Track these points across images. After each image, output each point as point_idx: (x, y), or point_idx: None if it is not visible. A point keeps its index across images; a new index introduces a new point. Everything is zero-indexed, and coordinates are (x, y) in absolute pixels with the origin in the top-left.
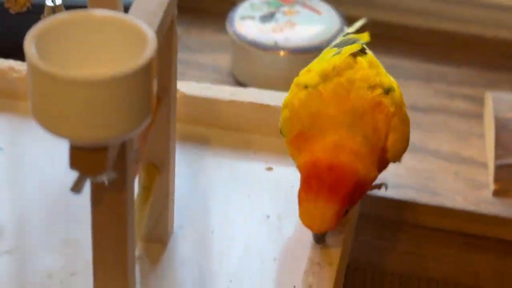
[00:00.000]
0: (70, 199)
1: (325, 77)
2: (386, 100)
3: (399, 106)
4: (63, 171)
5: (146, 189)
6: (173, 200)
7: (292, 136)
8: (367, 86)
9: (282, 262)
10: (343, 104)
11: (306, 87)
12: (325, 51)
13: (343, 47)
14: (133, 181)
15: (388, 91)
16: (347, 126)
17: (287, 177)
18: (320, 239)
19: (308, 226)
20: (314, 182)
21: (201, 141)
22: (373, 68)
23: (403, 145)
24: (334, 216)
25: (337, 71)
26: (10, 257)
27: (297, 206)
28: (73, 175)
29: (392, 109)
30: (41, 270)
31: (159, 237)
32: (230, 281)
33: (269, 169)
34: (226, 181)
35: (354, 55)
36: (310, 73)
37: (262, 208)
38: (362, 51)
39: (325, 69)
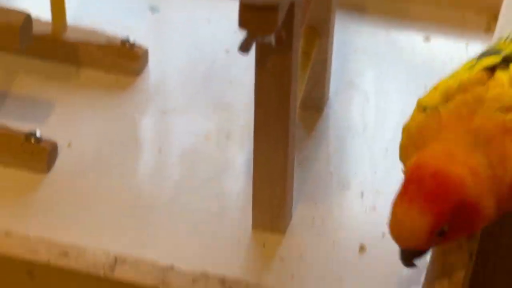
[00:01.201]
0: (226, 61)
1: (447, 97)
2: None
3: None
4: (219, 32)
5: (306, 54)
6: (330, 66)
7: (409, 166)
8: (499, 107)
9: None
10: (464, 126)
11: (424, 109)
12: (463, 64)
13: (482, 58)
14: (299, 44)
15: None
16: (466, 145)
17: (445, 48)
18: (407, 258)
19: (394, 237)
20: (412, 187)
21: (357, 8)
22: None
23: None
24: (426, 232)
25: (463, 88)
26: (166, 117)
27: None
28: (228, 36)
29: None
30: (197, 132)
31: (314, 104)
32: (386, 149)
33: (427, 39)
34: (382, 50)
35: (492, 69)
36: (433, 91)
37: (417, 79)
38: (504, 65)
39: (450, 86)
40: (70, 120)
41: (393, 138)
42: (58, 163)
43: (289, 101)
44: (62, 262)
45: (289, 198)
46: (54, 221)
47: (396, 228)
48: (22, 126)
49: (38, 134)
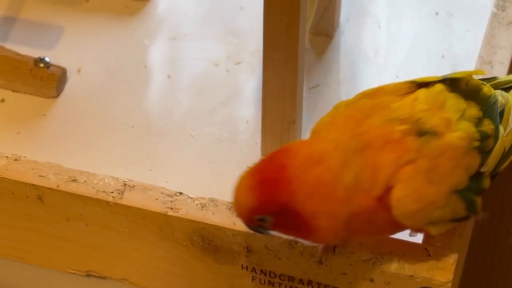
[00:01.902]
0: None
1: (361, 97)
2: (410, 142)
3: (432, 158)
4: None
5: None
6: None
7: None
8: (393, 117)
9: (450, 60)
10: (352, 129)
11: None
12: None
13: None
14: None
15: (423, 133)
16: (345, 149)
17: None
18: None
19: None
20: (261, 166)
21: None
22: (433, 104)
23: (417, 207)
24: (246, 212)
25: (379, 93)
26: (175, 43)
27: (467, 5)
28: None
29: (411, 155)
30: (207, 58)
31: (325, 30)
32: (396, 76)
33: None
34: None
35: (419, 85)
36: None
37: (431, 4)
38: (437, 84)
39: (372, 89)
40: (79, 46)
41: (403, 64)
42: (67, 88)
43: (298, 25)
44: (71, 187)
45: (298, 125)
46: (63, 146)
47: (233, 195)
48: (31, 52)
49: (47, 60)
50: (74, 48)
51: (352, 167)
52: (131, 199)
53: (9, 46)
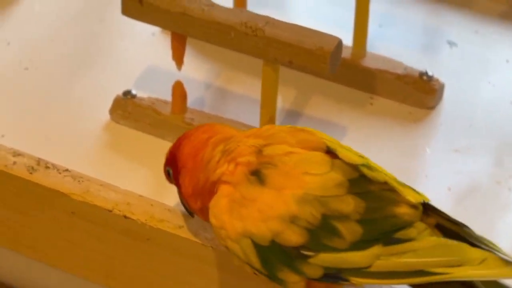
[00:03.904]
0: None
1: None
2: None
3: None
4: None
5: None
6: None
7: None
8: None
9: None
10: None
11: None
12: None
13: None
14: None
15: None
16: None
17: None
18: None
19: None
20: (192, 131)
21: None
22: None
23: (213, 223)
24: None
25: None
26: (456, 155)
27: None
28: None
29: (235, 179)
30: (487, 175)
31: None
32: None
33: None
34: None
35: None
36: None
37: None
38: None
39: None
40: (362, 147)
41: None
42: None
43: None
44: None
45: None
46: None
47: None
48: None
49: None
50: (356, 149)
51: (216, 155)
52: None
53: None
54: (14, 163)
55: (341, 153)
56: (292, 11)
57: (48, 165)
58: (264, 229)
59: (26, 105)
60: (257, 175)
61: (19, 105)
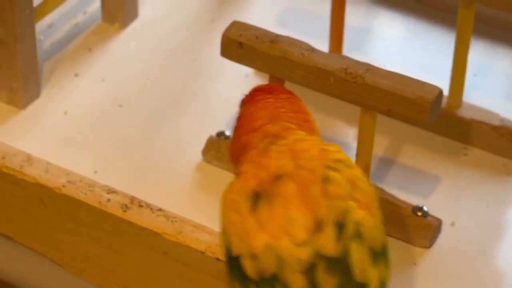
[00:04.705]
0: None
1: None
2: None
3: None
4: None
5: None
6: None
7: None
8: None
9: None
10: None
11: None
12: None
13: None
14: None
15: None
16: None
17: None
18: None
19: None
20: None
21: None
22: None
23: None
24: None
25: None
26: None
27: None
28: None
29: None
30: None
31: None
32: None
33: None
34: None
35: None
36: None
37: None
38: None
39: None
40: (455, 198)
41: None
42: (440, 240)
43: None
44: None
45: None
46: None
47: None
48: (407, 198)
49: (425, 209)
50: (449, 200)
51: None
52: None
53: (386, 189)
54: (108, 200)
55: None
56: (388, 58)
57: (142, 203)
58: (223, 235)
59: (119, 143)
60: (256, 197)
61: (112, 142)
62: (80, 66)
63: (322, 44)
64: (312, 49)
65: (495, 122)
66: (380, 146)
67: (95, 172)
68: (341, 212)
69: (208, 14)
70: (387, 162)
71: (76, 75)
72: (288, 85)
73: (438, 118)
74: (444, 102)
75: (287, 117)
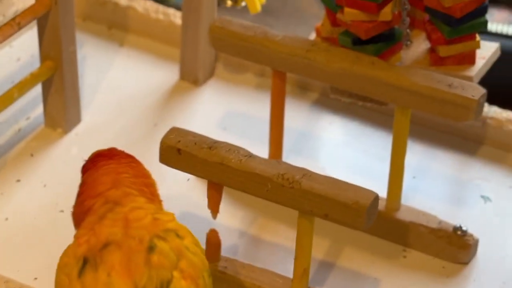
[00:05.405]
0: None
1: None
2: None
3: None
4: None
5: None
6: None
7: None
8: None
9: None
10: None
11: None
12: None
13: None
14: None
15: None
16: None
17: None
18: None
19: None
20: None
21: None
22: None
23: None
24: None
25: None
26: None
27: None
28: None
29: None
30: None
31: None
32: None
33: None
34: None
35: None
36: None
37: None
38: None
39: None
40: None
41: None
42: None
43: None
44: None
45: None
46: None
47: None
48: None
49: None
50: None
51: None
52: None
53: None
54: None
55: None
56: (328, 161)
57: None
58: None
59: (60, 248)
60: (85, 262)
61: (52, 248)
62: (22, 172)
63: (263, 148)
64: (250, 155)
65: (433, 225)
66: (319, 249)
67: (35, 278)
68: (162, 281)
69: (152, 118)
70: (327, 265)
71: (18, 180)
72: (227, 190)
73: (377, 221)
74: (382, 204)
75: (128, 183)
